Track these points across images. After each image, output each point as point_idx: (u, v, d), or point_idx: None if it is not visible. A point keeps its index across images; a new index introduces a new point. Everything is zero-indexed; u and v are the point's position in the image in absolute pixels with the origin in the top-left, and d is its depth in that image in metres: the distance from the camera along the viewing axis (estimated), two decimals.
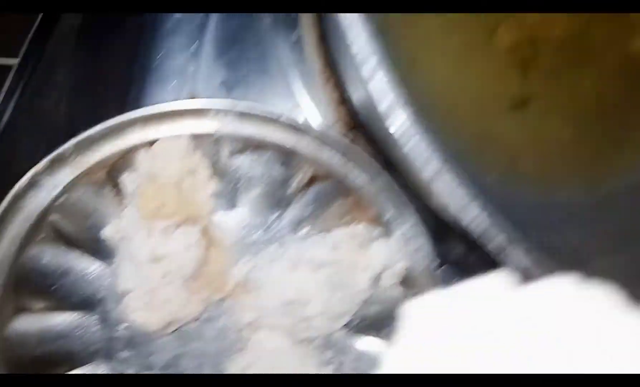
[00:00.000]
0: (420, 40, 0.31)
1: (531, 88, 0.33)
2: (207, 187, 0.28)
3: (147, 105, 0.28)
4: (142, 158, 0.27)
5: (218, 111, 0.28)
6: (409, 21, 0.31)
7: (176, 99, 0.29)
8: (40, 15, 0.32)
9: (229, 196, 0.30)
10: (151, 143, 0.27)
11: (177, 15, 0.30)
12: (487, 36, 0.32)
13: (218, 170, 0.29)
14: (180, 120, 0.27)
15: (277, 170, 0.30)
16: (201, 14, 0.30)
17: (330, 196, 0.30)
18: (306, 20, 0.28)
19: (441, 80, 0.32)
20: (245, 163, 0.29)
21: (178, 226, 0.27)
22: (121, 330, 0.28)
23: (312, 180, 0.30)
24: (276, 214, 0.30)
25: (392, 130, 0.19)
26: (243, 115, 0.28)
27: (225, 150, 0.29)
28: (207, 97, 0.30)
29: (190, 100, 0.27)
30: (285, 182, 0.30)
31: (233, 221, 0.30)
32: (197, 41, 0.30)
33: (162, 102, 0.28)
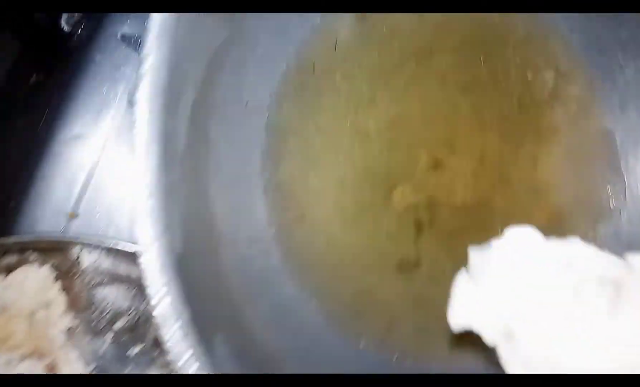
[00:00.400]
0: (312, 196, 0.31)
1: (422, 251, 0.33)
2: (61, 321, 0.27)
3: (23, 225, 0.28)
4: None
5: (85, 245, 0.28)
6: (302, 176, 0.31)
7: (54, 220, 0.29)
8: None
9: (91, 328, 0.29)
10: (9, 271, 0.27)
11: (68, 136, 0.30)
12: (384, 196, 0.33)
13: (80, 302, 0.29)
14: (43, 251, 0.27)
15: (144, 305, 0.30)
16: (98, 140, 0.30)
17: None
18: None
19: (329, 237, 0.32)
20: (110, 296, 0.29)
21: (23, 358, 0.27)
22: None
23: None
24: (138, 349, 0.30)
25: None
26: (112, 250, 0.28)
27: (90, 282, 0.28)
28: (87, 222, 0.29)
29: (57, 235, 0.27)
30: (151, 317, 0.30)
31: (92, 353, 0.29)
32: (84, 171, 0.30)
33: (38, 223, 0.28)
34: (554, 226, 0.36)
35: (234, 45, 0.26)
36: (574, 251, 0.19)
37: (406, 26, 0.35)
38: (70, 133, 0.31)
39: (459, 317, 0.21)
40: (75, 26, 0.33)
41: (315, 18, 0.32)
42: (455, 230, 0.34)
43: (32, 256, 0.27)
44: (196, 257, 0.22)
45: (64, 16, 0.32)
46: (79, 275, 0.28)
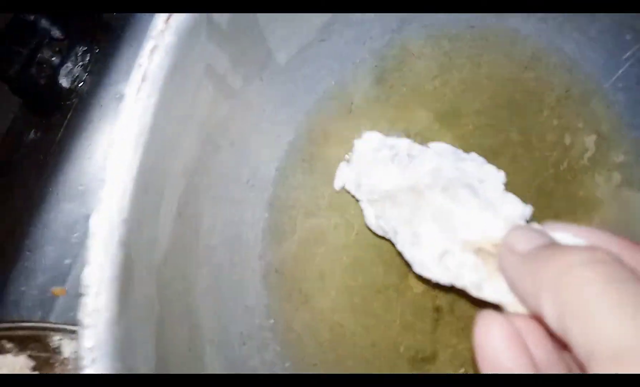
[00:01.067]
0: (318, 279, 0.28)
1: (440, 341, 0.30)
2: None
3: (5, 303, 0.26)
4: None
5: (66, 332, 0.25)
6: (307, 257, 0.28)
7: (38, 298, 0.27)
8: None
9: None
10: None
11: (62, 202, 0.28)
12: (400, 278, 0.29)
13: None
14: (19, 340, 0.25)
15: None
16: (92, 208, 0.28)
17: None
18: None
19: (334, 326, 0.28)
20: None
21: None
22: None
23: None
24: None
25: None
26: None
27: (72, 371, 0.26)
28: (75, 300, 0.27)
29: (35, 323, 0.25)
30: None
31: None
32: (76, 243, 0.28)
33: (22, 300, 0.26)
34: None
35: (234, 121, 0.24)
36: (396, 141, 0.28)
37: (428, 86, 0.32)
38: (63, 200, 0.29)
39: (338, 182, 0.29)
40: (74, 82, 0.31)
41: (330, 82, 0.29)
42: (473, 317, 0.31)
43: (8, 344, 0.25)
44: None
45: (63, 72, 0.31)
46: (60, 364, 0.26)
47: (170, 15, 0.15)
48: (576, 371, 0.16)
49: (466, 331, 0.30)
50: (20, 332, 0.25)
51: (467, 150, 0.32)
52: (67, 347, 0.25)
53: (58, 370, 0.26)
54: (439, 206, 0.22)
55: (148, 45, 0.16)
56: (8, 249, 0.28)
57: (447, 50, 0.32)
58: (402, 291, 0.29)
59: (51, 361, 0.25)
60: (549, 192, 0.32)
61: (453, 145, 0.31)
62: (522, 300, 0.17)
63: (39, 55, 0.31)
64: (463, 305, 0.30)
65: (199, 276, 0.22)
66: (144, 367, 0.16)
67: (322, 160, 0.29)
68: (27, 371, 0.25)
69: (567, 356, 0.17)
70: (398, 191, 0.24)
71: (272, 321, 0.26)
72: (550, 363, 0.16)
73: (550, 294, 0.14)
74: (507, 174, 0.32)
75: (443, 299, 0.30)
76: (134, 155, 0.15)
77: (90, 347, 0.14)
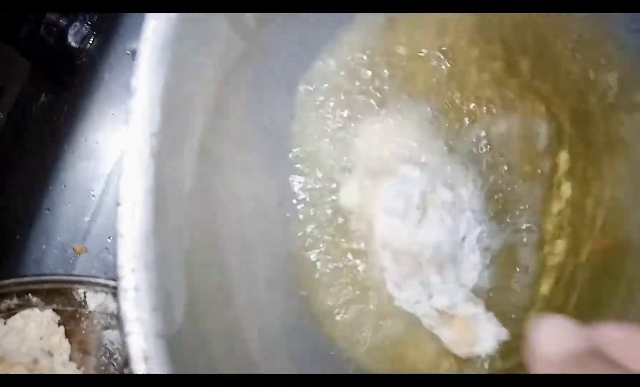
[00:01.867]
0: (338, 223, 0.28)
1: None
2: (66, 368, 0.25)
3: (27, 261, 0.26)
4: None
5: (91, 285, 0.25)
6: (326, 204, 0.28)
7: (60, 256, 0.27)
8: None
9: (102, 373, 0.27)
10: (8, 315, 0.25)
11: (77, 162, 0.28)
12: None
13: (87, 347, 0.26)
14: (45, 294, 0.25)
15: None
16: (107, 166, 0.28)
17: None
18: None
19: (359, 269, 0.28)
20: (120, 339, 0.27)
21: None
22: None
23: None
24: None
25: None
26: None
27: (97, 325, 0.26)
28: (95, 257, 0.27)
29: (60, 276, 0.25)
30: None
31: None
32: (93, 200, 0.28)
33: (43, 259, 0.26)
34: (611, 262, 0.30)
35: (250, 62, 0.24)
36: (411, 190, 0.28)
37: (440, 32, 0.31)
38: (79, 158, 0.29)
39: None
40: (83, 41, 0.31)
41: (346, 26, 0.28)
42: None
43: (34, 298, 0.25)
44: (206, 313, 0.19)
45: (71, 32, 0.30)
46: (86, 318, 0.26)
47: None
48: None
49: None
50: (46, 286, 0.25)
51: (482, 99, 0.31)
52: (92, 301, 0.25)
53: (84, 324, 0.26)
54: (429, 279, 0.27)
55: None
56: (27, 208, 0.28)
57: None
58: None
59: (77, 315, 0.25)
60: (571, 135, 0.32)
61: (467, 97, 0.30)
62: None
63: (46, 16, 0.31)
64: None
65: (225, 220, 0.22)
66: (177, 295, 0.16)
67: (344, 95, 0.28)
68: (55, 325, 0.25)
69: None
70: (402, 253, 0.27)
71: (294, 268, 0.26)
72: None
73: None
74: (538, 121, 0.31)
75: None
76: (159, 67, 0.15)
77: (129, 256, 0.14)
